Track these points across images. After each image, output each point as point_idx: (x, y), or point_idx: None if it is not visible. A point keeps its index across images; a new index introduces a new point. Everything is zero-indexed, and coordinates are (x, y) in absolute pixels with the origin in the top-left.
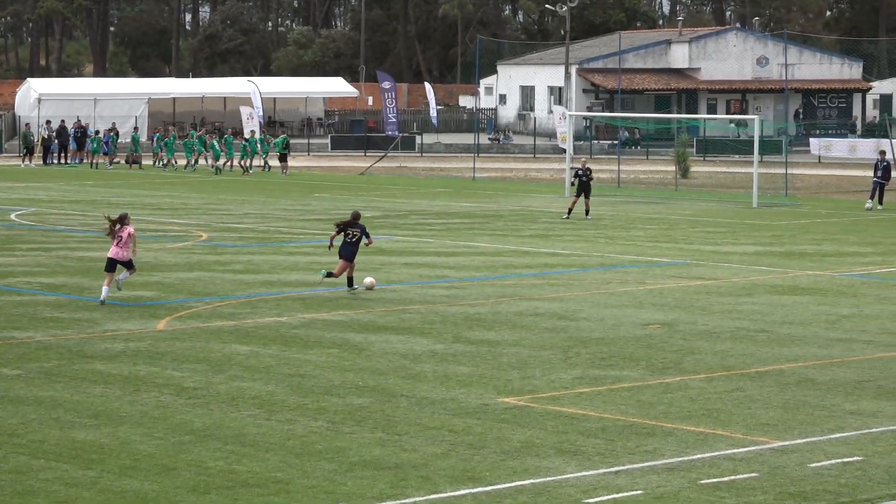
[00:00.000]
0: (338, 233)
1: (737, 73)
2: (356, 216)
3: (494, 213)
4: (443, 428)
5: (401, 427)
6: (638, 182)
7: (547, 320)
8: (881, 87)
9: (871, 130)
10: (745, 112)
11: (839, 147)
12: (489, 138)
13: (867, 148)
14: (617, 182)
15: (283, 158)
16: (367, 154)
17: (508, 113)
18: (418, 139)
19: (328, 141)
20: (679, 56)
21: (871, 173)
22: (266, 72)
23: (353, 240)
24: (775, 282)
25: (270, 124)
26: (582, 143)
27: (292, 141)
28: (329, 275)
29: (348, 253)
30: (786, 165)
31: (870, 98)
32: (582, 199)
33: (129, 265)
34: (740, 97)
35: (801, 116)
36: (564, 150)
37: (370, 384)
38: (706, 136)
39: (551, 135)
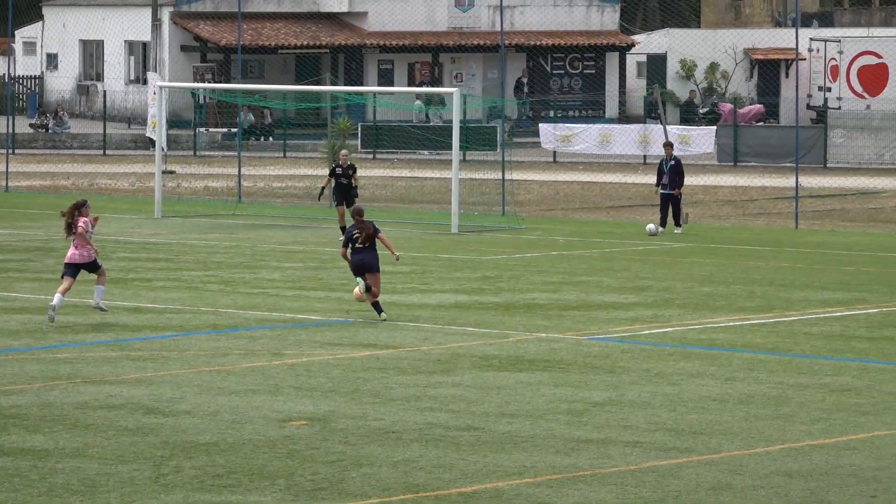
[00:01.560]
0: (345, 241)
1: (425, 20)
2: (359, 212)
3: (41, 244)
4: None
5: None
6: (271, 194)
7: (128, 415)
8: (649, 42)
9: (646, 109)
10: (438, 82)
11: (586, 137)
12: (31, 125)
13: (628, 138)
14: (238, 194)
15: None
16: None
17: (62, 84)
18: None
19: None
20: None
21: (634, 178)
22: None
23: (365, 244)
24: (488, 350)
25: None
26: (180, 131)
27: None
28: (369, 288)
29: (367, 261)
30: (503, 167)
31: (632, 60)
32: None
33: (93, 267)
34: (431, 58)
35: (525, 89)
36: (154, 143)
37: None
38: (377, 120)
39: (132, 118)
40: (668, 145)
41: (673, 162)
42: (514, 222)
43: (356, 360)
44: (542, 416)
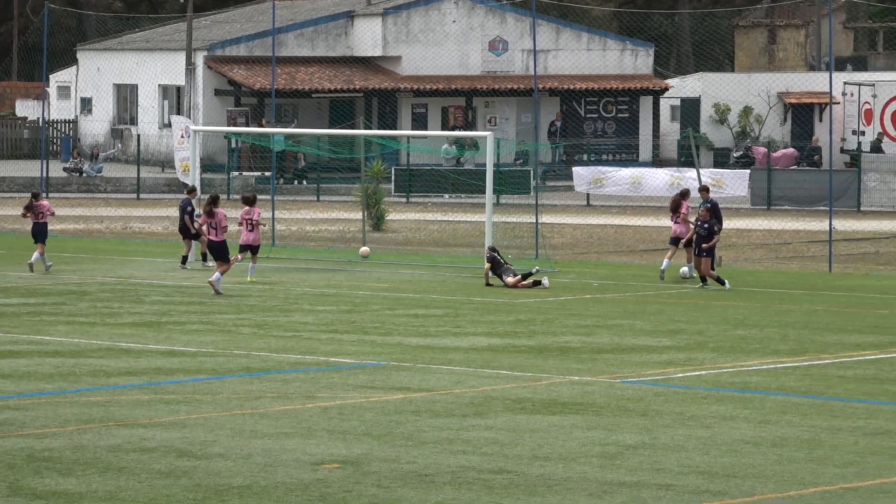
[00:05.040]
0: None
1: (458, 64)
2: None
3: (75, 287)
4: None
5: None
6: (304, 238)
7: (160, 458)
8: (682, 86)
9: (680, 153)
10: (471, 126)
11: (618, 180)
12: (65, 168)
13: (659, 181)
14: (272, 238)
15: None
16: None
17: (96, 128)
18: None
19: None
20: (367, 38)
21: (667, 222)
22: None
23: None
24: (521, 394)
25: None
26: (214, 175)
27: None
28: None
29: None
30: (536, 210)
31: (665, 103)
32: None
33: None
34: (464, 102)
35: (558, 132)
36: (186, 187)
37: None
38: (411, 164)
39: (166, 162)
40: (704, 189)
41: (709, 205)
42: (548, 265)
43: (389, 403)
44: (575, 458)
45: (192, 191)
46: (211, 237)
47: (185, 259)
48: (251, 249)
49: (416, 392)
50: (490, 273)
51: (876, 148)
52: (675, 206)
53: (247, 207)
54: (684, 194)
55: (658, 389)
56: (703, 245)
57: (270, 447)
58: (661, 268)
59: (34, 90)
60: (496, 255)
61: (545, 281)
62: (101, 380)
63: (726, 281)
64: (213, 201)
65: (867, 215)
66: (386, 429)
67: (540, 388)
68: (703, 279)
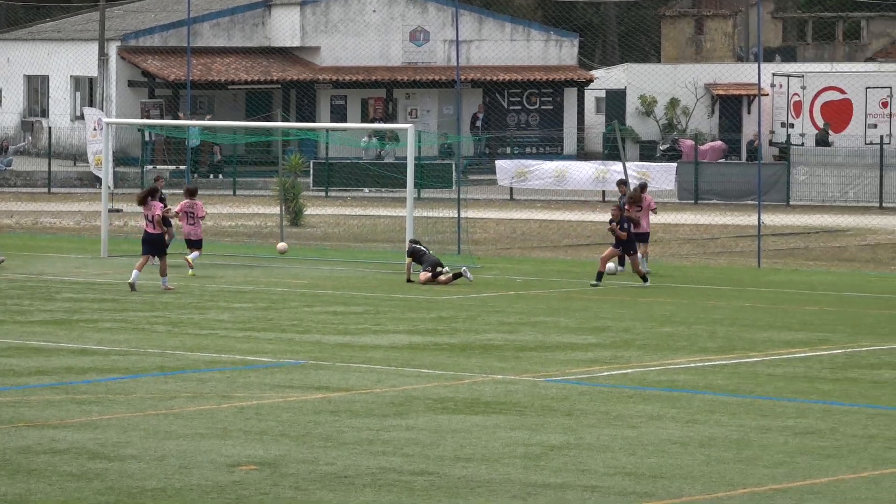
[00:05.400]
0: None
1: (379, 55)
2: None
3: None
4: None
5: None
6: (220, 233)
7: (72, 460)
8: (608, 77)
9: (605, 146)
10: (392, 118)
11: (542, 174)
12: None
13: (585, 175)
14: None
15: None
16: None
17: (6, 120)
18: None
19: None
20: (285, 28)
21: (592, 216)
22: None
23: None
24: (443, 393)
25: None
26: (128, 168)
27: None
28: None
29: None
30: (458, 205)
31: (590, 95)
32: None
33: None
34: (385, 94)
35: (480, 125)
36: (100, 181)
37: None
38: (330, 157)
39: (78, 156)
40: (622, 183)
41: (623, 203)
42: (470, 261)
43: (307, 403)
44: (499, 459)
45: (157, 179)
46: (147, 229)
47: None
48: (193, 243)
49: (335, 391)
50: (412, 267)
51: (822, 141)
52: (636, 200)
53: (188, 200)
54: (643, 187)
55: (583, 388)
56: (622, 238)
57: (185, 448)
58: (641, 268)
59: None
60: (417, 245)
61: (468, 274)
62: (11, 379)
63: (649, 279)
64: (152, 193)
65: (796, 209)
66: (304, 429)
67: (462, 387)
68: (600, 276)
